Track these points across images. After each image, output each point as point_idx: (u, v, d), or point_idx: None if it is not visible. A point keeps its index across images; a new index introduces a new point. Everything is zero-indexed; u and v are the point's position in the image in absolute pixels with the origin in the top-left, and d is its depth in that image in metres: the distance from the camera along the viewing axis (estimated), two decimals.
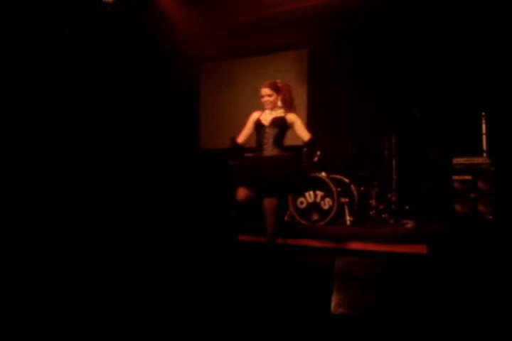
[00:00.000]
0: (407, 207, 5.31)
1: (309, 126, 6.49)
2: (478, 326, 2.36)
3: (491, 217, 4.87)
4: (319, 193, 5.24)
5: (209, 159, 7.13)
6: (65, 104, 6.16)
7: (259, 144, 3.95)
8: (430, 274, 3.35)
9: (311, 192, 5.29)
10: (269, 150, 3.90)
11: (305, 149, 5.78)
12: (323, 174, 5.31)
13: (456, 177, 5.14)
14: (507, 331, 2.30)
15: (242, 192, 3.77)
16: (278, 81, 4.02)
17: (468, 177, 5.07)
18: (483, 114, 5.26)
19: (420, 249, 4.04)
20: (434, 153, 5.53)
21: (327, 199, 5.17)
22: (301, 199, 5.35)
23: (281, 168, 3.81)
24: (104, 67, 6.58)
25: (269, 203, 3.77)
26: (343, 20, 6.04)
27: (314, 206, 5.25)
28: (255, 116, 4.04)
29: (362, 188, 5.42)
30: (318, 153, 5.60)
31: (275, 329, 2.42)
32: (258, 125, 3.95)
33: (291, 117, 3.91)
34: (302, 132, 3.92)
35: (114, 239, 4.77)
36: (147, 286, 3.21)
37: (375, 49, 5.99)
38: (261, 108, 4.10)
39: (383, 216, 5.34)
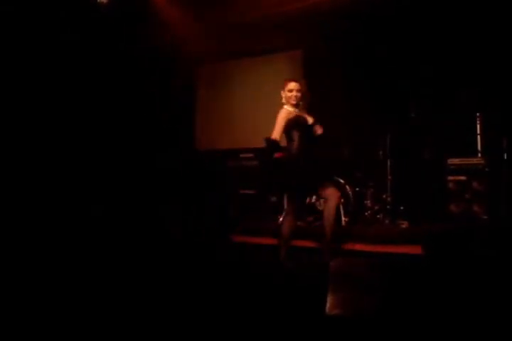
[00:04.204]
0: (401, 208, 5.31)
1: None
2: (475, 327, 2.36)
3: (485, 217, 4.88)
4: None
5: (204, 160, 7.16)
6: (63, 104, 6.15)
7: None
8: (425, 274, 3.35)
9: None
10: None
11: None
12: None
13: (450, 178, 5.15)
14: (501, 330, 2.30)
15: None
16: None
17: (462, 178, 5.08)
18: (477, 114, 5.27)
19: (415, 249, 4.04)
20: (428, 153, 5.53)
21: (322, 200, 5.16)
22: None
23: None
24: (100, 67, 6.56)
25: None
26: (337, 21, 6.04)
27: (309, 207, 5.24)
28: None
29: (357, 189, 5.42)
30: None
31: (270, 329, 2.42)
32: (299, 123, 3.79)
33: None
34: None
35: (113, 238, 4.75)
36: (146, 286, 3.20)
37: (369, 49, 5.99)
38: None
39: (378, 216, 5.34)
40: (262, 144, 6.57)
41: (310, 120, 3.86)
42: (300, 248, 4.53)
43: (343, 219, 5.06)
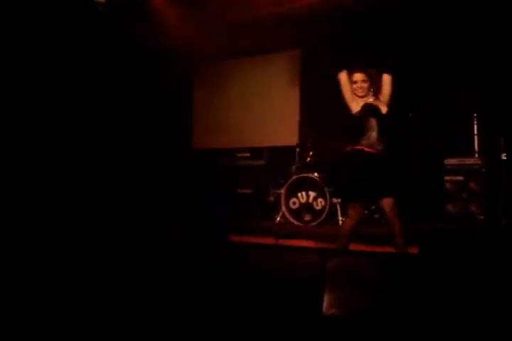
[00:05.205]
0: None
1: (301, 126, 6.58)
2: (469, 327, 2.37)
3: (482, 217, 4.89)
4: (312, 193, 5.25)
5: (202, 158, 7.16)
6: (62, 104, 6.15)
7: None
8: (422, 274, 3.35)
9: (304, 193, 5.29)
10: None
11: (297, 149, 5.81)
12: (316, 174, 5.31)
13: (448, 178, 5.16)
14: (494, 328, 2.31)
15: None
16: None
17: (460, 178, 5.09)
18: (475, 114, 5.28)
19: (412, 249, 4.04)
20: (425, 153, 5.54)
21: (319, 200, 5.17)
22: (294, 199, 5.35)
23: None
24: (100, 67, 6.56)
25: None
26: (337, 20, 6.04)
27: (307, 206, 5.25)
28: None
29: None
30: (311, 153, 5.61)
31: (267, 329, 2.42)
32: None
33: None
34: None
35: (113, 238, 4.75)
36: (145, 286, 3.20)
37: (367, 49, 5.98)
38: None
39: (375, 216, 5.34)
40: (261, 144, 6.66)
41: (384, 109, 3.50)
42: (297, 247, 4.54)
43: (340, 218, 5.08)
